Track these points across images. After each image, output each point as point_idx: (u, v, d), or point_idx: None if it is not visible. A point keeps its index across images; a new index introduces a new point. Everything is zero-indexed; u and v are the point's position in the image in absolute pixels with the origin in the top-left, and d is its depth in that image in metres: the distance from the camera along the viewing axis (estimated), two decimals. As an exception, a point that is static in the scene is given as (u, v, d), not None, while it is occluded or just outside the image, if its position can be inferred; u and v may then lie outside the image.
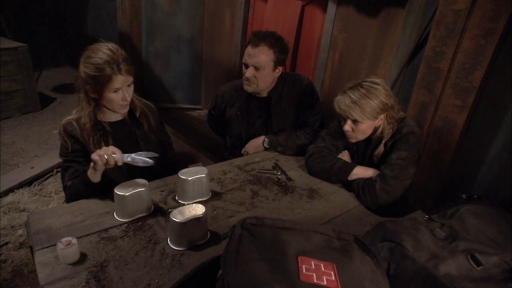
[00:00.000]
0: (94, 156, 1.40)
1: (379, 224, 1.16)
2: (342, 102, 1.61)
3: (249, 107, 2.13)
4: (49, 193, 3.03)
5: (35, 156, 3.49)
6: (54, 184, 3.14)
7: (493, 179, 2.15)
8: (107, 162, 1.40)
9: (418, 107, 2.31)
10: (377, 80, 1.61)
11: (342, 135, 1.83)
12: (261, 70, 1.92)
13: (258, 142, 2.11)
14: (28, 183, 3.09)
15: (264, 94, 2.08)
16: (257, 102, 2.12)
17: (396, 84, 2.55)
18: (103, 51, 1.50)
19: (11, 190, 2.97)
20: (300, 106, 2.09)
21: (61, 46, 6.00)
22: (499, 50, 1.98)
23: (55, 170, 3.29)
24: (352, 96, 1.58)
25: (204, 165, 2.07)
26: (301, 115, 2.10)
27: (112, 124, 1.66)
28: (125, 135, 1.70)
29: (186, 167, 1.60)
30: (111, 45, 1.54)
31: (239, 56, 3.91)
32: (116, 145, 1.60)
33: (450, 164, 2.23)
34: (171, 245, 1.29)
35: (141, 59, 4.21)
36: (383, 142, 1.67)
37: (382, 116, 1.61)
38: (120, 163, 1.43)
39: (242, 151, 2.20)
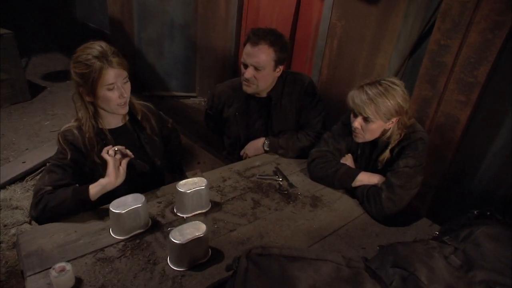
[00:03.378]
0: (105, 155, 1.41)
1: (389, 247, 1.11)
2: (357, 97, 1.53)
3: (248, 107, 2.05)
4: (42, 189, 2.95)
5: (26, 149, 3.39)
6: (47, 179, 3.06)
7: (494, 175, 2.13)
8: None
9: (420, 102, 2.25)
10: (397, 81, 1.53)
11: (346, 138, 1.77)
12: (261, 70, 1.82)
13: (258, 145, 2.04)
14: (20, 178, 3.01)
15: (264, 94, 1.99)
16: (257, 103, 2.03)
17: (397, 77, 2.48)
18: (92, 47, 1.42)
19: (2, 186, 2.88)
20: (301, 106, 2.01)
21: (50, 32, 5.78)
22: (506, 44, 1.91)
23: (48, 164, 3.19)
24: (369, 93, 1.50)
25: (200, 156, 2.02)
26: (302, 116, 2.02)
27: (113, 131, 1.58)
28: (127, 141, 1.62)
29: (186, 177, 1.54)
30: (100, 42, 1.45)
31: (233, 43, 3.81)
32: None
33: (451, 160, 2.20)
34: (171, 266, 1.24)
35: (134, 46, 4.07)
36: (389, 148, 1.60)
37: (394, 120, 1.55)
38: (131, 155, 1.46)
39: (241, 153, 2.12)
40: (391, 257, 1.07)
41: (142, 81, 4.20)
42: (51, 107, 4.12)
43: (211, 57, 4.12)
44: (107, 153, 1.42)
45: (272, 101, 1.99)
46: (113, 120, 1.58)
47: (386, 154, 1.62)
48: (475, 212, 1.22)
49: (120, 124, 1.61)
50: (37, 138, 3.57)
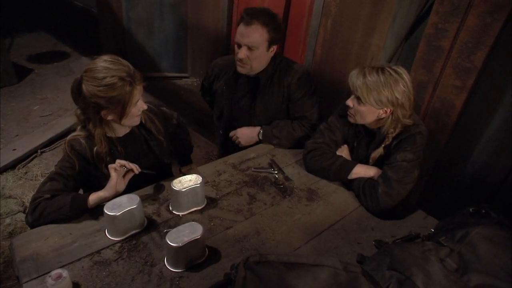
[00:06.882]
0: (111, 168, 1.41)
1: (386, 248, 1.12)
2: (355, 75, 1.52)
3: (236, 83, 2.04)
4: (35, 176, 2.93)
5: (16, 135, 3.34)
6: (40, 166, 3.03)
7: (487, 159, 2.14)
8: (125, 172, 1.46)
9: (415, 87, 2.22)
10: (403, 74, 1.49)
11: (342, 129, 1.76)
12: (254, 50, 1.81)
13: (252, 134, 2.01)
14: (11, 166, 2.97)
15: (254, 74, 1.97)
16: (245, 80, 2.01)
17: (393, 60, 2.45)
18: (114, 68, 1.36)
19: (-6, 175, 2.85)
20: (293, 97, 1.97)
21: (34, 11, 5.55)
22: (504, 28, 1.87)
23: (39, 151, 3.16)
24: (367, 76, 1.48)
25: (193, 139, 2.04)
26: (297, 108, 1.99)
27: (121, 139, 1.56)
28: (136, 147, 1.61)
29: (183, 174, 1.52)
30: (110, 58, 1.39)
31: (226, 22, 3.71)
32: (129, 161, 1.50)
33: (445, 145, 2.20)
34: (168, 267, 1.24)
35: (123, 26, 3.95)
36: (384, 144, 1.59)
37: (387, 109, 1.52)
38: (136, 171, 1.46)
39: (231, 134, 2.11)
40: (387, 259, 1.08)
41: (132, 62, 4.06)
42: (40, 91, 4.02)
43: (202, 36, 4.02)
44: (114, 167, 1.42)
45: (260, 82, 1.97)
46: (122, 128, 1.55)
47: (380, 151, 1.61)
48: (470, 209, 1.22)
49: (128, 130, 1.58)
50: (27, 123, 3.51)
